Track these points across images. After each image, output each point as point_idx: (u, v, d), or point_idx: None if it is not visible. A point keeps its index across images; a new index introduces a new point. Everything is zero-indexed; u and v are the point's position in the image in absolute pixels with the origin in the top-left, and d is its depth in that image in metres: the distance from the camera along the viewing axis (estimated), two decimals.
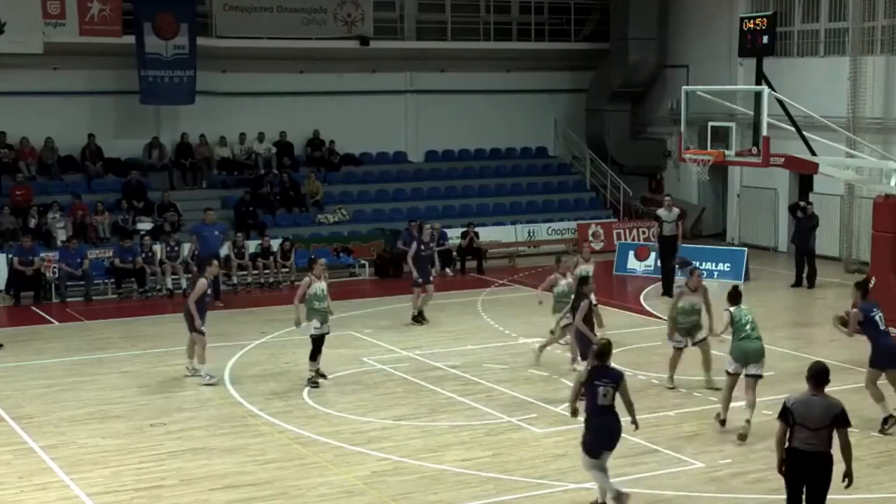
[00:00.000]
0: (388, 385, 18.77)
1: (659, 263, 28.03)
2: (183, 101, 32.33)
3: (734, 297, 16.45)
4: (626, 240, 33.03)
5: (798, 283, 27.85)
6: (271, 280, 28.92)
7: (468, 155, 37.69)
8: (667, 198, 28.12)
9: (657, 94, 37.41)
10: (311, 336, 18.70)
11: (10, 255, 27.19)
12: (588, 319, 18.29)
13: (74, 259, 27.23)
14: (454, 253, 31.31)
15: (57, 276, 27.26)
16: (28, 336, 23.32)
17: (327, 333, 18.82)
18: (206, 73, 32.34)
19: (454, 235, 31.77)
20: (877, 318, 16.36)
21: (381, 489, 13.72)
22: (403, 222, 31.87)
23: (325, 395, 18.08)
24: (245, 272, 28.86)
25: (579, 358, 18.16)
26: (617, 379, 12.99)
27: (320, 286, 18.80)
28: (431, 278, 24.43)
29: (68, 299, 26.97)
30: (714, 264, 29.10)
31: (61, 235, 28.81)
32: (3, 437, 16.08)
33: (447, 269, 30.89)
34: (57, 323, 24.76)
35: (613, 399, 12.89)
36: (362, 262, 30.76)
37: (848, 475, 11.28)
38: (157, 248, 28.32)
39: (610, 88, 37.42)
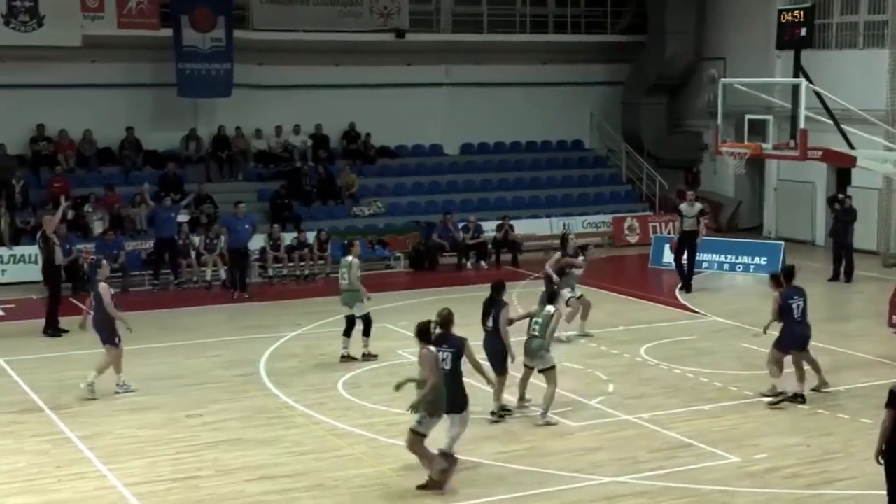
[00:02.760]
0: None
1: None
2: (220, 93, 32.47)
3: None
4: (661, 233, 32.90)
5: (835, 278, 27.66)
6: (307, 272, 29.01)
7: (504, 148, 37.64)
8: (689, 192, 27.93)
9: (694, 87, 37.19)
10: (360, 317, 19.89)
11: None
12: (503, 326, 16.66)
13: (111, 251, 27.42)
14: (489, 246, 31.31)
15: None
16: (65, 327, 23.48)
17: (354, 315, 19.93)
18: (242, 66, 32.46)
19: (489, 228, 31.79)
20: (794, 305, 17.02)
21: (416, 481, 13.71)
22: (439, 215, 31.92)
23: (360, 387, 18.13)
24: (281, 264, 28.97)
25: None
26: (458, 346, 13.91)
27: (352, 259, 20.10)
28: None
29: None
30: (750, 258, 28.97)
31: (98, 227, 29.01)
32: (42, 426, 16.23)
33: (482, 262, 30.92)
34: (93, 314, 24.85)
35: (452, 365, 13.69)
36: (397, 254, 30.82)
37: None
38: (196, 239, 28.54)
39: (646, 81, 37.27)
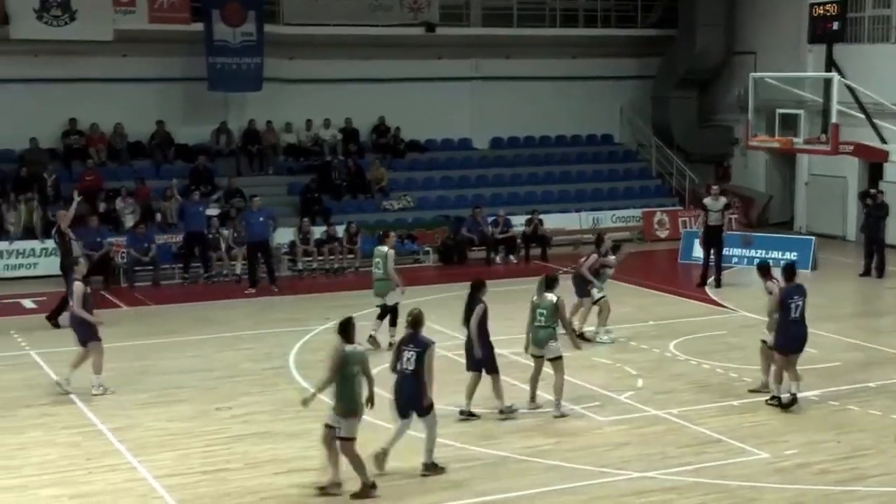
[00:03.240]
0: (450, 372, 18.71)
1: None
2: (250, 87, 32.58)
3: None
4: (691, 228, 32.78)
5: (867, 273, 27.49)
6: (336, 266, 29.08)
7: (533, 142, 37.60)
8: (714, 187, 27.77)
9: (725, 81, 37.08)
10: (390, 306, 20.31)
11: (79, 240, 27.61)
12: (482, 326, 16.37)
13: (142, 244, 27.58)
14: (518, 240, 31.29)
15: (125, 260, 27.63)
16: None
17: (385, 304, 20.33)
18: (273, 60, 32.57)
19: (518, 223, 31.78)
20: (792, 305, 16.27)
21: (443, 475, 13.75)
22: (468, 209, 31.93)
23: (388, 381, 18.10)
24: (310, 258, 29.04)
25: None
26: (423, 346, 13.77)
27: (384, 249, 20.50)
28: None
29: (136, 284, 27.31)
30: (781, 253, 28.77)
31: (129, 221, 29.17)
32: (73, 418, 16.34)
33: (511, 257, 30.92)
34: (125, 307, 25.09)
35: (416, 365, 13.65)
36: (426, 248, 30.86)
37: None
38: (226, 232, 28.66)
39: (677, 75, 37.15)
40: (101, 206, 29.65)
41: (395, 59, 34.94)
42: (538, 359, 16.62)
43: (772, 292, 16.66)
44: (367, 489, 13.07)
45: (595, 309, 21.00)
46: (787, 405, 16.29)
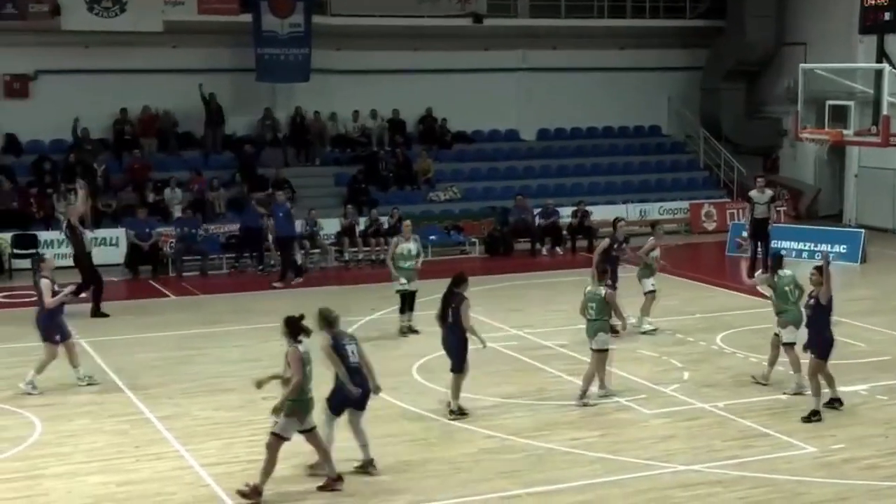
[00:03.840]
0: (496, 363, 18.79)
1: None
2: (298, 78, 32.72)
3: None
4: (739, 220, 32.57)
5: None
6: (382, 257, 29.08)
7: (580, 133, 37.49)
8: (759, 179, 27.51)
9: (774, 73, 36.78)
10: (397, 291, 20.52)
11: (128, 230, 27.92)
12: (462, 321, 15.74)
13: (190, 230, 27.79)
14: (564, 231, 31.22)
15: (173, 250, 27.84)
16: (145, 309, 23.89)
17: (415, 291, 20.44)
18: (320, 51, 32.68)
19: (565, 214, 31.70)
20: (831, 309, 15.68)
21: (489, 466, 13.77)
22: (514, 200, 31.88)
23: (433, 372, 18.16)
24: (356, 249, 29.12)
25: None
26: (356, 338, 13.72)
27: (407, 246, 20.61)
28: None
29: (184, 274, 27.52)
30: (830, 246, 28.56)
31: (178, 211, 29.39)
32: (121, 407, 16.49)
33: (557, 249, 30.85)
34: (173, 297, 25.28)
35: (360, 357, 13.53)
36: (473, 239, 30.86)
37: None
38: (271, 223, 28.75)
39: (725, 66, 36.91)
40: (151, 197, 29.89)
41: (443, 51, 34.94)
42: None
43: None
44: (256, 493, 12.63)
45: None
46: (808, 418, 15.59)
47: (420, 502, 12.74)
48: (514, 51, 36.28)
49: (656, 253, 21.37)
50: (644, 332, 20.62)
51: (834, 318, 15.96)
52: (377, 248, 29.07)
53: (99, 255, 28.03)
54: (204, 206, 29.92)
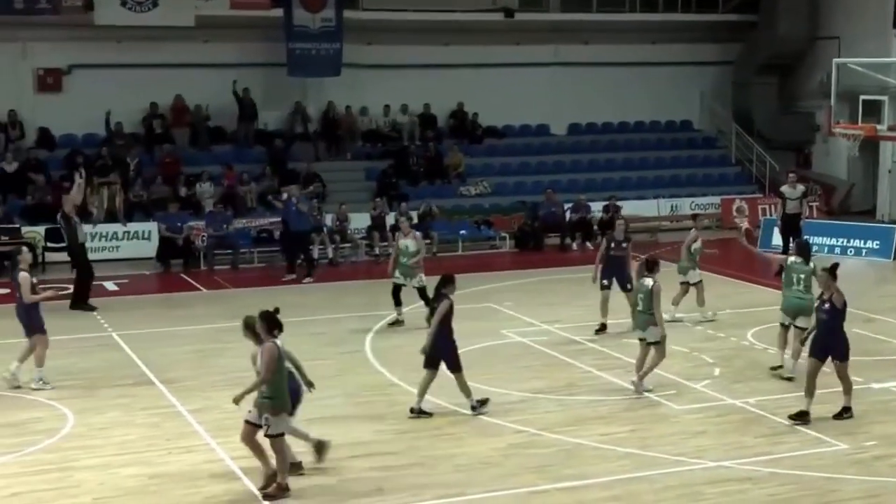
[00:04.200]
0: (526, 358, 18.81)
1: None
2: (329, 73, 32.79)
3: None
4: (771, 215, 32.42)
5: None
6: None
7: (611, 128, 37.40)
8: (790, 174, 27.37)
9: (807, 67, 36.57)
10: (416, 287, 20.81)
11: (160, 224, 28.08)
12: (446, 322, 15.45)
13: (220, 224, 27.90)
14: (595, 226, 31.16)
15: (205, 244, 27.97)
16: (176, 302, 24.02)
17: (423, 287, 20.40)
18: (351, 46, 32.73)
19: (596, 209, 31.64)
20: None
21: (518, 461, 13.77)
22: (543, 195, 31.85)
23: (464, 366, 18.16)
24: (386, 243, 29.14)
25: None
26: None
27: (405, 243, 21.02)
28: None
29: (216, 267, 27.63)
30: (863, 242, 28.42)
31: (209, 205, 29.51)
32: (152, 399, 16.58)
33: (587, 244, 30.80)
34: (204, 290, 25.40)
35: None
36: (503, 234, 30.85)
37: None
38: None
39: (758, 61, 36.75)
40: (182, 191, 30.03)
41: (474, 45, 34.92)
42: (641, 342, 16.63)
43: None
44: (282, 490, 12.61)
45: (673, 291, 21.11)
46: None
47: (449, 497, 12.74)
48: (546, 45, 36.20)
49: (698, 245, 21.40)
50: (705, 321, 21.10)
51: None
52: None
53: (131, 249, 28.36)
54: (235, 201, 30.03)
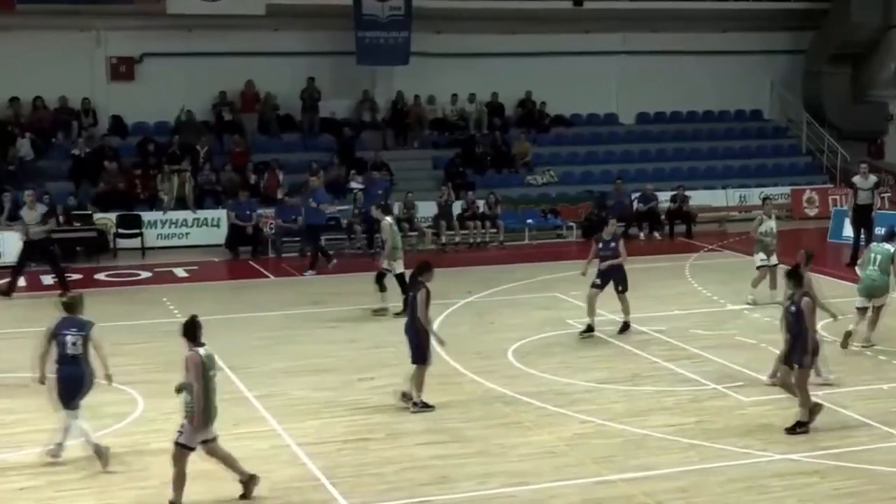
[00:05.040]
0: (592, 348, 18.78)
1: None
2: (397, 61, 32.87)
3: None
4: (841, 206, 32.03)
5: None
6: (478, 240, 29.18)
7: (680, 117, 37.14)
8: (862, 165, 26.97)
9: (880, 56, 36.07)
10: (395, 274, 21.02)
11: (229, 211, 28.34)
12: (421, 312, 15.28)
13: (290, 216, 28.07)
14: (663, 216, 30.99)
15: (274, 232, 28.18)
16: (245, 289, 24.26)
17: (389, 271, 21.01)
18: (420, 34, 32.77)
19: (664, 199, 31.46)
20: None
21: (583, 451, 13.76)
22: (612, 185, 31.70)
23: (528, 355, 18.20)
24: (453, 232, 29.21)
25: None
26: (86, 328, 13.21)
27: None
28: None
29: (284, 255, 27.84)
30: None
31: (279, 193, 29.70)
32: (220, 385, 16.50)
33: (655, 233, 30.64)
34: (272, 277, 25.61)
35: (84, 348, 13.12)
36: (570, 223, 30.77)
37: None
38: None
39: (830, 50, 36.31)
40: (252, 178, 30.25)
41: (542, 34, 34.81)
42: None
43: None
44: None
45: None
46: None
47: (513, 486, 12.75)
48: (614, 34, 36.00)
49: (765, 227, 21.75)
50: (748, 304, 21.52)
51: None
52: (474, 231, 29.14)
53: (201, 236, 28.67)
54: (300, 190, 30.17)
